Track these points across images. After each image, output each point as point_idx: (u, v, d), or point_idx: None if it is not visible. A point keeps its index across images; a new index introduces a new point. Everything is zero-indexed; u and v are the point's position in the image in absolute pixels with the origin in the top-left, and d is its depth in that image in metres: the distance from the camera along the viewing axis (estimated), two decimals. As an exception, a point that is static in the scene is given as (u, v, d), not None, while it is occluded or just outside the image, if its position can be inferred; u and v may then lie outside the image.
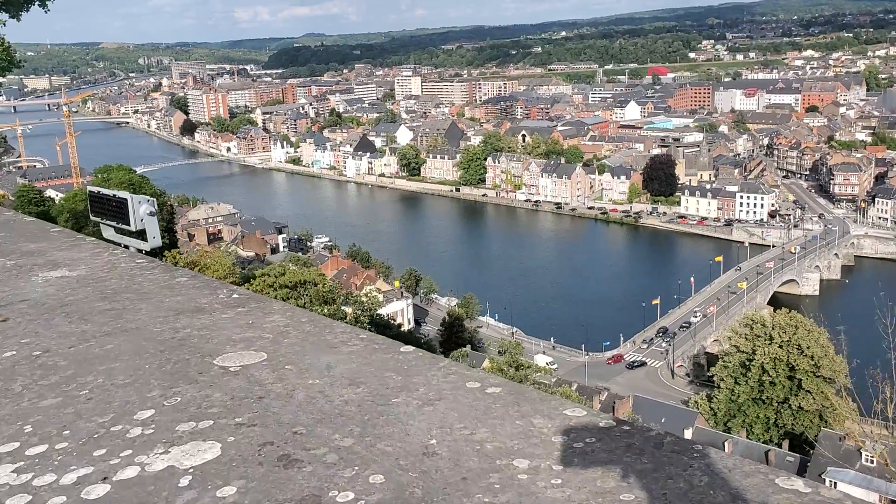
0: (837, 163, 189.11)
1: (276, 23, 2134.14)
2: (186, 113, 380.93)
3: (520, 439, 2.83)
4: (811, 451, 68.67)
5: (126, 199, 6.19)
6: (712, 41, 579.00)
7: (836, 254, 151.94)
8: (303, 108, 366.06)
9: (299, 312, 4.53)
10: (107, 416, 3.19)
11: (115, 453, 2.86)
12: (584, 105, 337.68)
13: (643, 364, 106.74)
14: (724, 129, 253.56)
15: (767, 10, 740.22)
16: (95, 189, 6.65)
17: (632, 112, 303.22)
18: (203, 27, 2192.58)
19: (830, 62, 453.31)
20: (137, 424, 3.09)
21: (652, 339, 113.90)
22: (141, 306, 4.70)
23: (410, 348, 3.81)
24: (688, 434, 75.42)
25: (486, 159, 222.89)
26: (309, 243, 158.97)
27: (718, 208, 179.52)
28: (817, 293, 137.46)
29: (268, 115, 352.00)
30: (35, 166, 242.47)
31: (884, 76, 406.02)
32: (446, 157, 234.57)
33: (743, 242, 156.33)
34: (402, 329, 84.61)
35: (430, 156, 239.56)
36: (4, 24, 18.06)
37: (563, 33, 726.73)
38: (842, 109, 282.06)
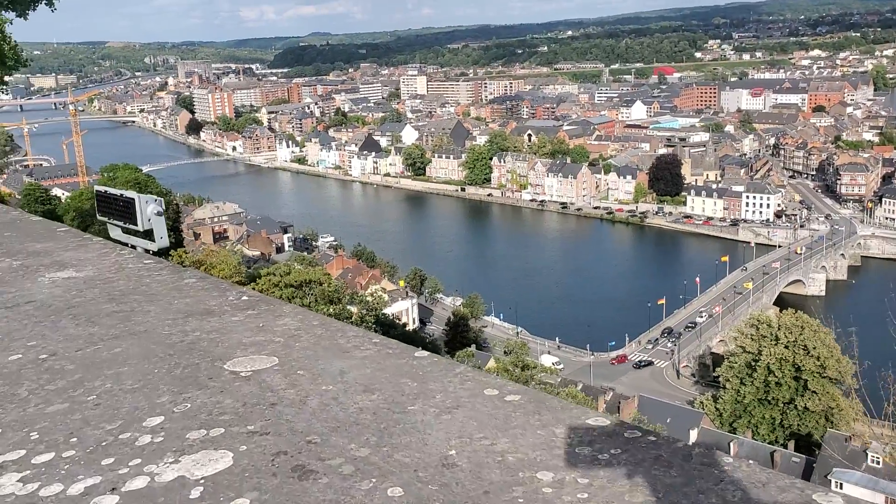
0: (844, 163, 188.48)
1: (281, 22, 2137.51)
2: (192, 112, 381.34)
3: (542, 450, 2.73)
4: (817, 452, 68.57)
5: (133, 199, 6.15)
6: (718, 41, 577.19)
7: (842, 254, 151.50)
8: (308, 108, 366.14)
9: (310, 315, 4.45)
10: (115, 422, 3.10)
11: (124, 462, 2.78)
12: (590, 104, 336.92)
13: (650, 363, 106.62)
14: (730, 128, 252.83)
15: (774, 10, 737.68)
16: (103, 188, 6.61)
17: (638, 112, 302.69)
18: (209, 26, 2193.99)
19: (837, 62, 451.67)
20: (146, 432, 3.01)
21: (657, 339, 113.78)
22: (149, 308, 4.63)
23: (425, 353, 3.73)
24: (693, 435, 75.32)
25: (491, 159, 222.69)
26: (314, 243, 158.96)
27: (724, 208, 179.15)
28: (823, 294, 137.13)
29: (273, 115, 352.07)
30: (41, 165, 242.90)
31: (891, 76, 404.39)
32: (452, 156, 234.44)
33: (749, 242, 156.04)
34: (407, 329, 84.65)
35: (436, 155, 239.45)
36: (11, 23, 18.08)
37: (569, 32, 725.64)
38: (849, 109, 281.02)
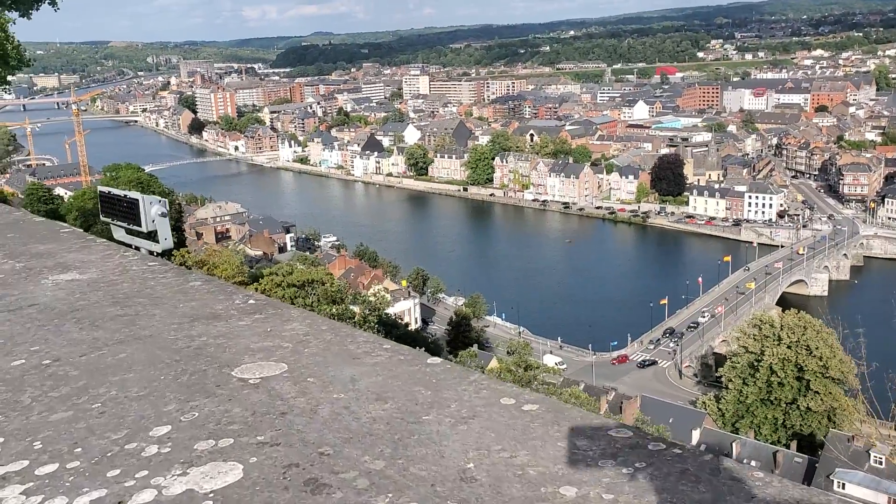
0: (847, 163, 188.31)
1: (283, 21, 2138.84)
2: (194, 112, 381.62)
3: (564, 463, 2.63)
4: (819, 452, 68.46)
5: (137, 200, 6.11)
6: (721, 40, 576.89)
7: (845, 254, 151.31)
8: (310, 107, 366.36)
9: (319, 320, 4.36)
10: (120, 432, 3.02)
11: (130, 474, 2.69)
12: (593, 104, 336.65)
13: (654, 363, 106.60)
14: (732, 128, 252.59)
15: (776, 10, 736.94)
16: (106, 189, 6.56)
17: (640, 111, 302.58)
18: (211, 26, 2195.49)
19: (840, 62, 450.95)
20: (153, 442, 2.92)
21: (658, 339, 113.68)
22: (154, 312, 4.54)
23: (438, 360, 3.65)
24: (695, 435, 75.27)
25: (493, 159, 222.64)
26: (316, 242, 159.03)
27: (727, 208, 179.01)
28: (826, 294, 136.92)
29: (275, 114, 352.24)
30: (44, 164, 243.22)
31: (894, 76, 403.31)
32: (454, 156, 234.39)
33: (751, 242, 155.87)
34: (410, 329, 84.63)
35: (438, 155, 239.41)
36: (14, 23, 18.10)
37: (572, 32, 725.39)
38: (851, 109, 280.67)
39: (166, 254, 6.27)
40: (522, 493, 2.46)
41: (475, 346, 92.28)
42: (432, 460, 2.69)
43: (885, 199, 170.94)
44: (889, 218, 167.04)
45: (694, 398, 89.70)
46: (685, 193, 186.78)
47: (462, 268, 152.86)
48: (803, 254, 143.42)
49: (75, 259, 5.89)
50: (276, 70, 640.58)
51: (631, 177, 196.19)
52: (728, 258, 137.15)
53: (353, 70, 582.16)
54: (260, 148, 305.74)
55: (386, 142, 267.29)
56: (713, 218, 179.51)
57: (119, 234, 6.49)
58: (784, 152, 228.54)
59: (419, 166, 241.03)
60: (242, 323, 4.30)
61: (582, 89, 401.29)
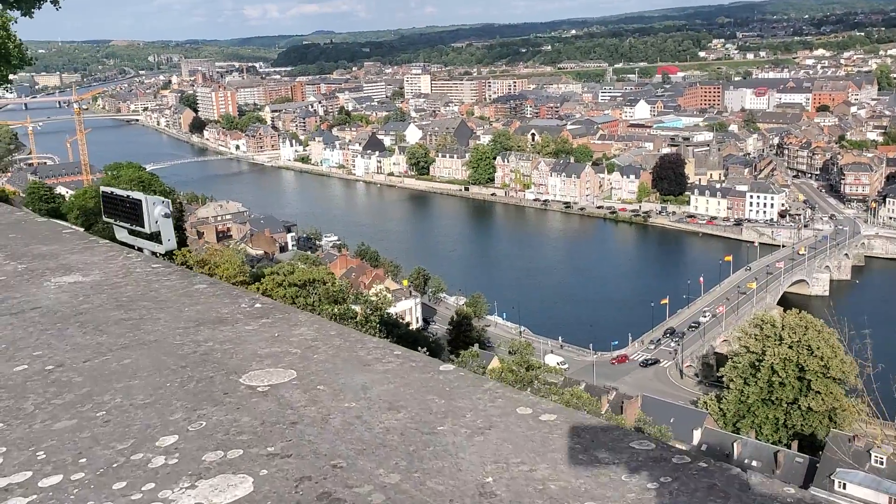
0: (848, 162, 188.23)
1: (285, 20, 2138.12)
2: (196, 110, 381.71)
3: (586, 478, 2.53)
4: (820, 453, 68.45)
5: (140, 201, 6.08)
6: (722, 40, 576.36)
7: (846, 254, 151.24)
8: (312, 106, 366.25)
9: (327, 325, 4.27)
10: (126, 441, 2.93)
11: (137, 487, 2.60)
12: (594, 104, 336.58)
13: (657, 362, 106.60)
14: (734, 128, 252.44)
15: (778, 9, 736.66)
16: (109, 189, 6.53)
17: (641, 111, 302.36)
18: (212, 24, 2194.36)
19: (841, 61, 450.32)
20: (160, 453, 2.82)
21: (659, 339, 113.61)
22: (159, 316, 4.46)
23: (451, 367, 3.55)
24: (696, 435, 75.28)
25: (495, 158, 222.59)
26: (318, 242, 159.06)
27: (728, 208, 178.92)
28: (827, 293, 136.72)
29: (277, 113, 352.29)
30: (46, 163, 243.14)
31: (895, 75, 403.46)
32: (455, 155, 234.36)
33: (753, 242, 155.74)
34: (411, 328, 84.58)
35: (440, 155, 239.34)
36: (16, 22, 18.10)
37: (573, 32, 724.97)
38: (853, 109, 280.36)
39: (168, 253, 6.24)
40: None
41: (476, 345, 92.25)
42: (449, 474, 2.59)
43: (887, 199, 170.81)
44: (890, 218, 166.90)
45: (695, 398, 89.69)
46: (686, 193, 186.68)
47: (463, 267, 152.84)
48: (804, 253, 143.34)
49: (78, 261, 5.81)
50: (278, 69, 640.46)
51: (632, 176, 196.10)
52: (729, 258, 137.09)
53: (354, 69, 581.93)
54: (261, 147, 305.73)
55: (387, 141, 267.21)
56: (714, 217, 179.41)
57: (122, 234, 6.46)
58: (785, 152, 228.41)
59: (420, 166, 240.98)
60: (249, 328, 4.21)
61: (583, 89, 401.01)
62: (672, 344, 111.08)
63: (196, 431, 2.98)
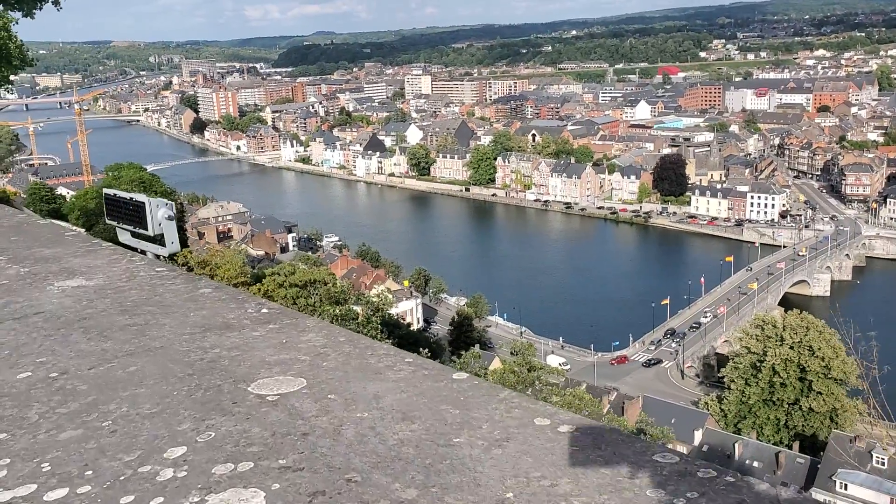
0: (849, 163, 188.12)
1: (286, 21, 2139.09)
2: (196, 111, 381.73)
3: (609, 493, 2.44)
4: (822, 453, 68.42)
5: (144, 203, 6.03)
6: (723, 40, 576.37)
7: (847, 255, 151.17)
8: (312, 107, 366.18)
9: (335, 330, 4.18)
10: (133, 453, 2.84)
11: (145, 501, 2.53)
12: (595, 104, 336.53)
13: (659, 362, 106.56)
14: (734, 128, 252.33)
15: (779, 10, 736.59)
16: (112, 192, 6.47)
17: (642, 111, 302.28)
18: (213, 25, 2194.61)
19: (842, 62, 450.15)
20: (168, 465, 2.73)
21: (659, 340, 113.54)
22: (164, 321, 4.38)
23: (464, 375, 3.45)
24: (698, 435, 75.22)
25: (495, 159, 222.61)
26: (318, 242, 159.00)
27: (729, 208, 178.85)
28: (828, 294, 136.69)
29: (277, 114, 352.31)
30: (46, 164, 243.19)
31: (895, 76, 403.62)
32: (456, 156, 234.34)
33: (753, 243, 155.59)
34: (412, 329, 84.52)
35: (440, 155, 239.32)
36: (17, 23, 18.08)
37: (574, 32, 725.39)
38: (853, 109, 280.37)
39: (170, 255, 6.19)
40: None
41: (477, 346, 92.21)
42: (468, 489, 2.49)
43: (888, 200, 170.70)
44: (891, 218, 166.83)
45: (696, 399, 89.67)
46: (687, 193, 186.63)
47: (464, 268, 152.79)
48: (805, 254, 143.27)
49: (81, 264, 5.74)
50: (278, 69, 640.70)
51: (633, 177, 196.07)
52: (730, 258, 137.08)
53: (355, 70, 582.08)
54: (262, 148, 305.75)
55: (388, 142, 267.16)
56: (715, 218, 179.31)
57: (124, 237, 6.41)
58: (786, 152, 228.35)
59: (421, 166, 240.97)
60: (256, 333, 4.13)
61: (584, 89, 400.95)
62: (673, 345, 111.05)
63: (205, 443, 2.89)
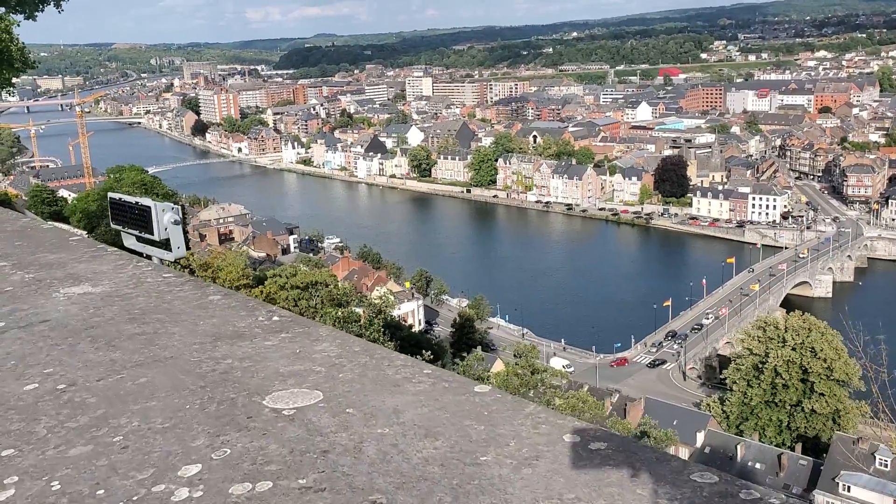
0: (850, 164, 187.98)
1: (287, 23, 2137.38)
2: (198, 113, 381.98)
3: None
4: (824, 455, 68.28)
5: (149, 207, 5.95)
6: (724, 42, 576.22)
7: (849, 256, 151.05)
8: (314, 109, 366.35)
9: (350, 339, 4.03)
10: (146, 471, 2.71)
11: None
12: (596, 106, 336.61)
13: (663, 362, 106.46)
14: (736, 130, 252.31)
15: (780, 11, 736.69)
16: (117, 196, 6.39)
17: (643, 113, 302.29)
18: (214, 28, 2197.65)
19: (843, 63, 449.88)
20: (183, 484, 2.61)
21: (661, 342, 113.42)
22: (174, 330, 4.24)
23: (487, 388, 3.30)
24: (700, 437, 75.09)
25: (497, 160, 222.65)
26: (320, 244, 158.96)
27: (730, 210, 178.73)
28: (830, 295, 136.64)
29: (279, 116, 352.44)
30: (48, 166, 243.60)
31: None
32: (457, 158, 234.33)
33: (755, 244, 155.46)
34: (413, 330, 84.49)
35: (441, 157, 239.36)
36: (19, 25, 18.04)
37: (574, 34, 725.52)
38: (855, 110, 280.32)
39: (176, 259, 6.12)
40: None
41: (479, 348, 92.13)
42: None
43: (889, 201, 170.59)
44: (893, 219, 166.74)
45: (698, 400, 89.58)
46: (688, 195, 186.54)
47: (465, 269, 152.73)
48: (807, 255, 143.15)
49: (87, 270, 5.62)
50: (280, 72, 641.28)
51: (634, 178, 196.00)
52: (732, 260, 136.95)
53: (356, 72, 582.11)
54: (263, 149, 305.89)
55: (389, 143, 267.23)
56: (717, 219, 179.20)
57: (130, 241, 6.33)
58: (787, 154, 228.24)
59: (422, 168, 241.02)
60: (269, 343, 3.99)
61: (585, 91, 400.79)
62: (674, 346, 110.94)
63: (221, 460, 2.76)
